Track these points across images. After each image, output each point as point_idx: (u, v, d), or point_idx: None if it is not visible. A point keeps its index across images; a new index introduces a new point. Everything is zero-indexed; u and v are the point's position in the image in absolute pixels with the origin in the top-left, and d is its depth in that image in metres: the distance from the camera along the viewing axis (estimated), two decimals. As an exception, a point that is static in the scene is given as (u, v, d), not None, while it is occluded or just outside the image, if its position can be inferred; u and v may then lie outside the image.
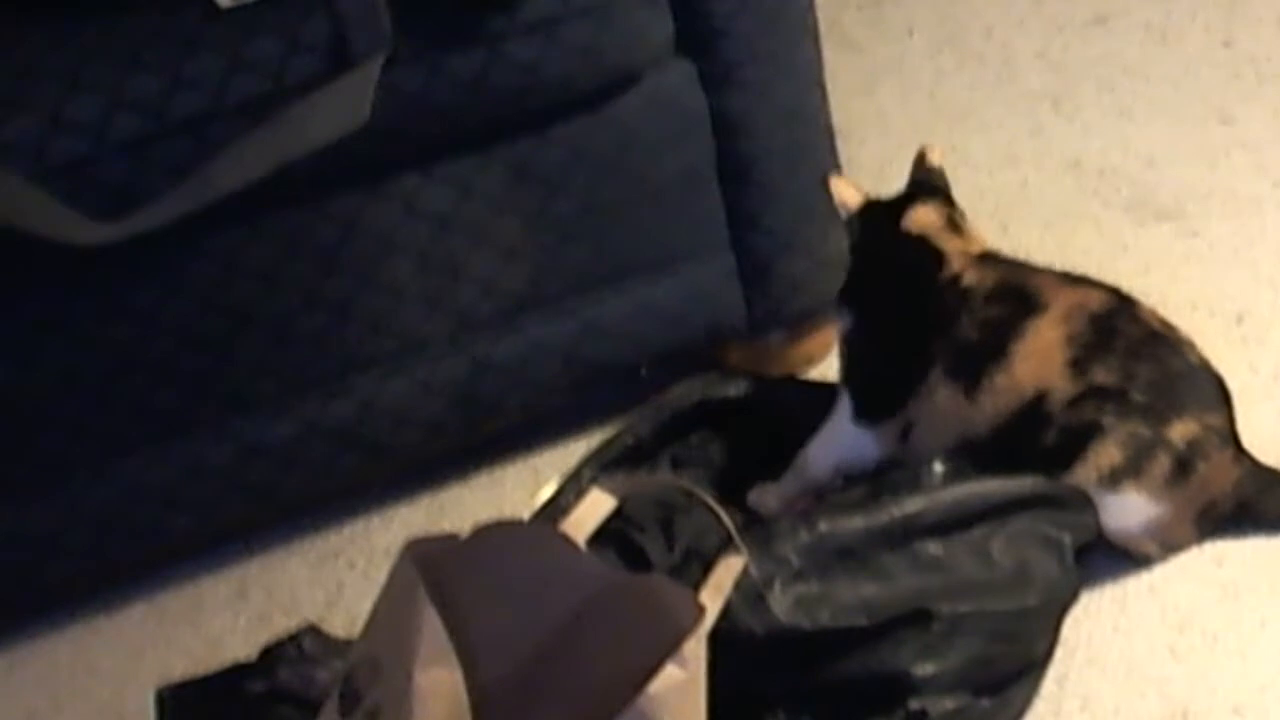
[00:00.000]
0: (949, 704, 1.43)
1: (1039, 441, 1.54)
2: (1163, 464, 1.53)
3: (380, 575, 1.33)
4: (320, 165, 1.49)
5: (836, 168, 1.78)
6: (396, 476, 1.81)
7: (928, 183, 1.68)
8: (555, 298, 1.71)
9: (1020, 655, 1.48)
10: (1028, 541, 1.50)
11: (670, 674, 1.21)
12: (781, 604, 1.40)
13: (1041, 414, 1.53)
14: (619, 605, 1.25)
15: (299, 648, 1.49)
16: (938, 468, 1.50)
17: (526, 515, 1.59)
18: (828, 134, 1.77)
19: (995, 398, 1.55)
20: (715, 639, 1.27)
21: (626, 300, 1.73)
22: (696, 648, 1.23)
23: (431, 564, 1.27)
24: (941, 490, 1.49)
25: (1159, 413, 1.53)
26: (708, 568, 1.39)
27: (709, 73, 1.67)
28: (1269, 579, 1.56)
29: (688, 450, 1.71)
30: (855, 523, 1.45)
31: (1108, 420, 1.52)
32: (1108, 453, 1.52)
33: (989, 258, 1.64)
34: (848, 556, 1.44)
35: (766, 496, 1.66)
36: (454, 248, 1.63)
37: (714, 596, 1.35)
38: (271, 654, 1.49)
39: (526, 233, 1.66)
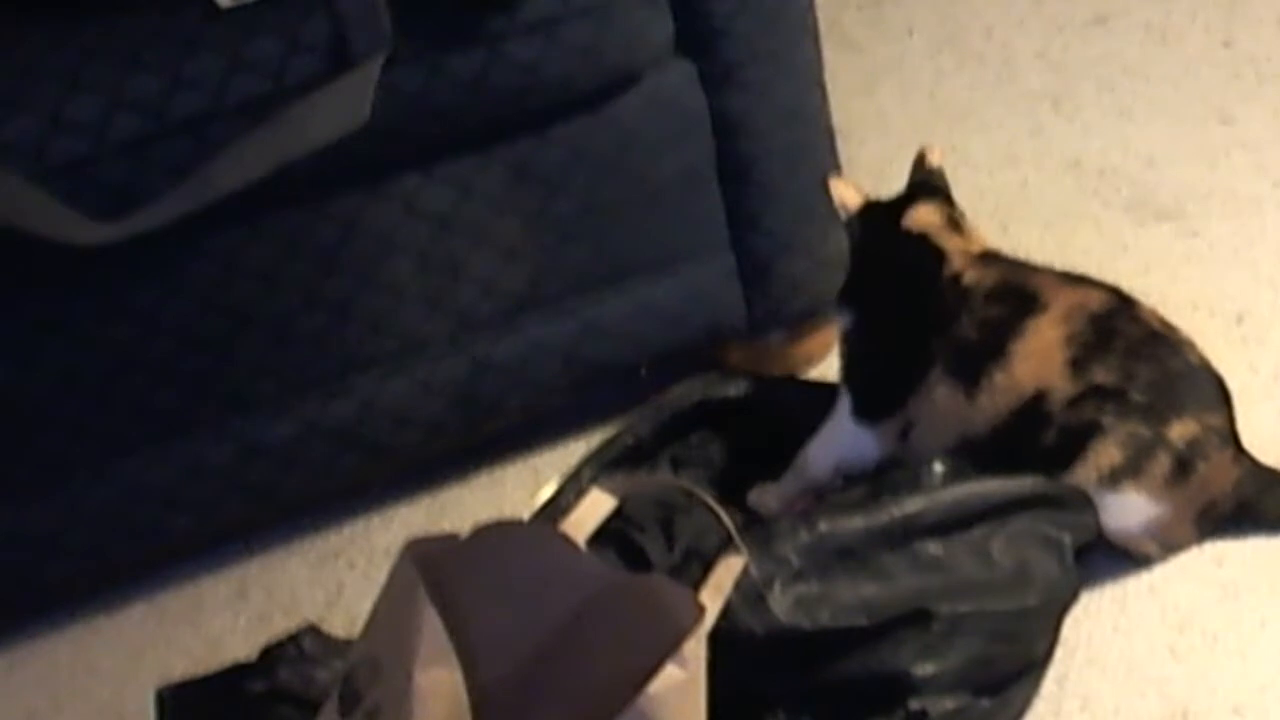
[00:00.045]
0: (949, 704, 1.43)
1: (1039, 441, 1.54)
2: (1163, 464, 1.53)
3: (380, 575, 1.33)
4: (320, 165, 1.49)
5: (836, 168, 1.78)
6: (396, 476, 1.81)
7: (928, 183, 1.68)
8: (555, 298, 1.71)
9: (1020, 655, 1.48)
10: (1028, 541, 1.50)
11: (670, 674, 1.21)
12: (781, 604, 1.40)
13: (1041, 414, 1.53)
14: (619, 605, 1.25)
15: (299, 648, 1.49)
16: (938, 468, 1.50)
17: (526, 515, 1.59)
18: (828, 134, 1.77)
19: (995, 397, 1.55)
20: (715, 639, 1.27)
21: (626, 300, 1.73)
22: (696, 648, 1.23)
23: (431, 564, 1.27)
24: (941, 490, 1.49)
25: (1159, 413, 1.53)
26: (708, 568, 1.39)
27: (709, 73, 1.67)
28: (1269, 579, 1.56)
29: (688, 450, 1.71)
30: (855, 523, 1.45)
31: (1108, 420, 1.52)
32: (1108, 452, 1.52)
33: (989, 257, 1.64)
34: (848, 556, 1.44)
35: (766, 496, 1.66)
36: (454, 248, 1.63)
37: (714, 596, 1.35)
38: (271, 654, 1.49)
39: (526, 233, 1.66)
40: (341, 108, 1.47)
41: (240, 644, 1.67)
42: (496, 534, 1.35)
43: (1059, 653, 1.51)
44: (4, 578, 1.67)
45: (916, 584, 1.45)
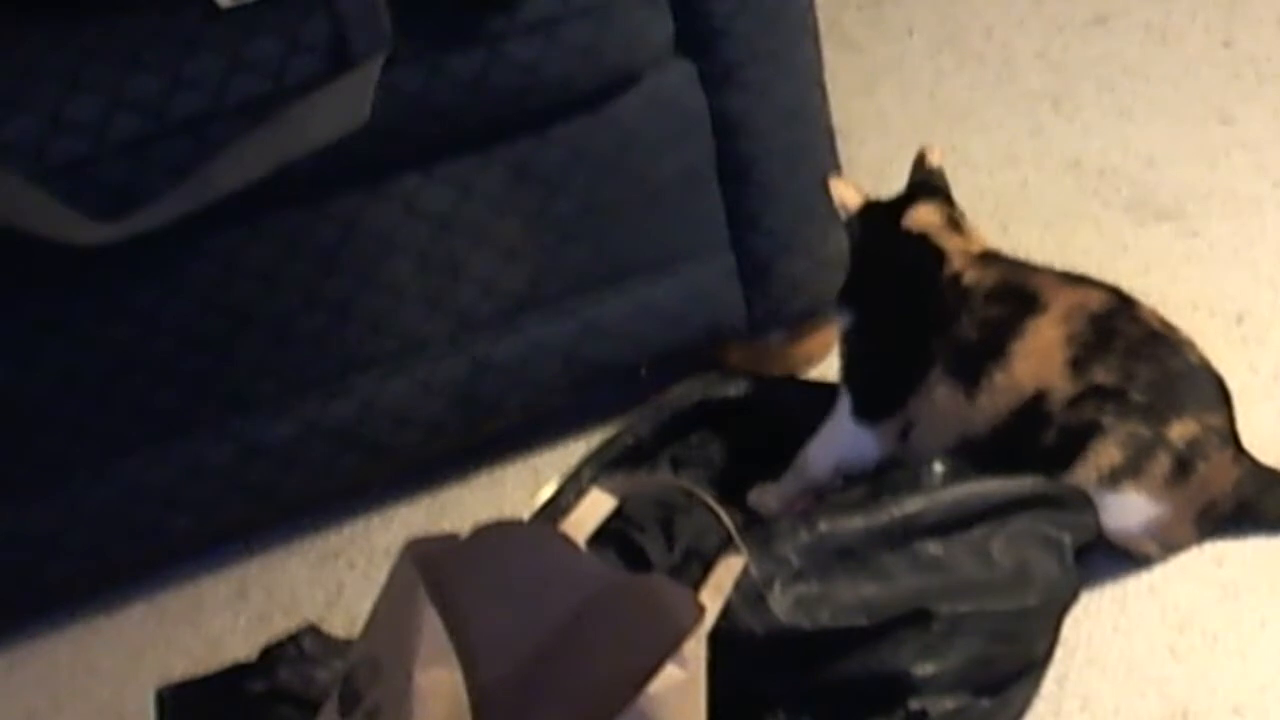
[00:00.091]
0: (949, 704, 1.43)
1: (1039, 441, 1.54)
2: (1163, 464, 1.53)
3: (380, 575, 1.33)
4: (320, 165, 1.49)
5: (836, 168, 1.78)
6: (396, 476, 1.81)
7: (928, 183, 1.68)
8: (555, 298, 1.71)
9: (1020, 655, 1.48)
10: (1028, 541, 1.50)
11: (670, 674, 1.21)
12: (781, 604, 1.40)
13: (1041, 413, 1.53)
14: (619, 605, 1.25)
15: (299, 648, 1.49)
16: (938, 468, 1.50)
17: (526, 515, 1.59)
18: (828, 134, 1.77)
19: (995, 397, 1.55)
20: (715, 639, 1.27)
21: (626, 300, 1.73)
22: (696, 648, 1.23)
23: (431, 564, 1.27)
24: (941, 490, 1.49)
25: (1159, 413, 1.53)
26: (708, 568, 1.39)
27: (709, 73, 1.67)
28: (1269, 579, 1.56)
29: (688, 450, 1.71)
30: (855, 523, 1.45)
31: (1107, 420, 1.52)
32: (1108, 452, 1.52)
33: (989, 257, 1.64)
34: (848, 556, 1.44)
35: (766, 496, 1.66)
36: (454, 248, 1.63)
37: (714, 596, 1.35)
38: (271, 654, 1.49)
39: (526, 233, 1.66)
40: (341, 108, 1.47)
41: (240, 644, 1.67)
42: (496, 534, 1.35)
43: (1059, 653, 1.51)
44: (4, 578, 1.67)
45: (916, 584, 1.45)
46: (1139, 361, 1.54)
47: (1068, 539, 1.52)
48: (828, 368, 1.82)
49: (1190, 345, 1.58)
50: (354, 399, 1.67)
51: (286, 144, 1.47)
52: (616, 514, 1.43)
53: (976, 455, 1.53)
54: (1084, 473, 1.53)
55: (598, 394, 1.81)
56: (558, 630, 1.23)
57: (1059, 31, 2.34)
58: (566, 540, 1.36)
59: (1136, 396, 1.52)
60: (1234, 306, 1.85)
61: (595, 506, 1.42)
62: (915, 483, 1.49)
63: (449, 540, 1.34)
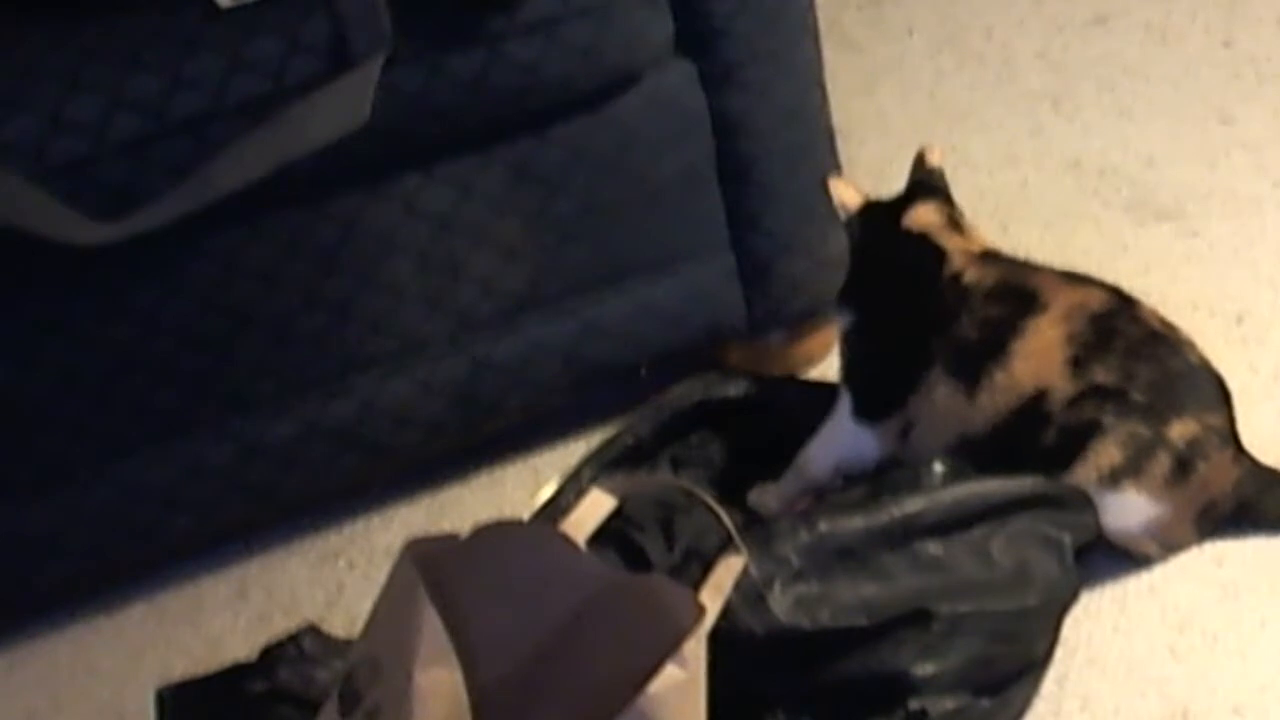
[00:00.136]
0: (949, 704, 1.43)
1: (1039, 441, 1.54)
2: (1163, 464, 1.53)
3: (380, 575, 1.33)
4: (320, 165, 1.49)
5: (836, 168, 1.78)
6: (396, 476, 1.81)
7: (928, 183, 1.68)
8: (555, 298, 1.71)
9: (1020, 655, 1.48)
10: (1028, 541, 1.50)
11: (670, 674, 1.21)
12: (781, 604, 1.40)
13: (1041, 413, 1.53)
14: (619, 605, 1.25)
15: (299, 648, 1.49)
16: (938, 468, 1.50)
17: (526, 515, 1.59)
18: (828, 134, 1.77)
19: (995, 397, 1.55)
20: (715, 639, 1.27)
21: (626, 300, 1.73)
22: (696, 648, 1.23)
23: (431, 564, 1.27)
24: (941, 490, 1.49)
25: (1159, 412, 1.53)
26: (708, 568, 1.39)
27: (709, 73, 1.67)
28: (1269, 579, 1.56)
29: (688, 450, 1.71)
30: (855, 523, 1.45)
31: (1108, 420, 1.52)
32: (1108, 452, 1.52)
33: (989, 256, 1.64)
34: (848, 556, 1.44)
35: (766, 496, 1.66)
36: (454, 248, 1.63)
37: (714, 596, 1.35)
38: (271, 654, 1.49)
39: (526, 233, 1.66)
40: (341, 108, 1.47)
41: (240, 644, 1.67)
42: (496, 534, 1.35)
43: (1059, 653, 1.51)
44: (4, 578, 1.67)
45: (916, 584, 1.45)
46: (1139, 361, 1.54)
47: (1068, 539, 1.52)
48: (828, 368, 1.82)
49: (1190, 345, 1.58)
50: (354, 399, 1.67)
51: (286, 144, 1.47)
52: (616, 514, 1.43)
53: (976, 455, 1.53)
54: (1084, 472, 1.53)
55: (598, 394, 1.80)
56: (558, 630, 1.23)
57: (1059, 31, 2.34)
58: (566, 540, 1.36)
59: (1137, 396, 1.52)
60: (1234, 306, 1.85)
61: (595, 506, 1.42)
62: (915, 483, 1.49)
63: (449, 540, 1.34)
